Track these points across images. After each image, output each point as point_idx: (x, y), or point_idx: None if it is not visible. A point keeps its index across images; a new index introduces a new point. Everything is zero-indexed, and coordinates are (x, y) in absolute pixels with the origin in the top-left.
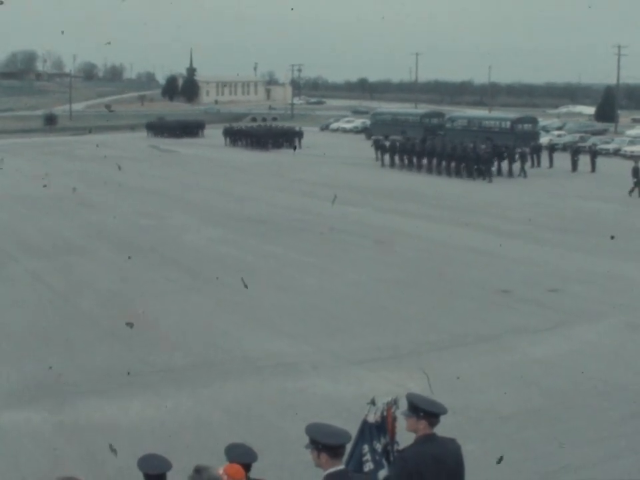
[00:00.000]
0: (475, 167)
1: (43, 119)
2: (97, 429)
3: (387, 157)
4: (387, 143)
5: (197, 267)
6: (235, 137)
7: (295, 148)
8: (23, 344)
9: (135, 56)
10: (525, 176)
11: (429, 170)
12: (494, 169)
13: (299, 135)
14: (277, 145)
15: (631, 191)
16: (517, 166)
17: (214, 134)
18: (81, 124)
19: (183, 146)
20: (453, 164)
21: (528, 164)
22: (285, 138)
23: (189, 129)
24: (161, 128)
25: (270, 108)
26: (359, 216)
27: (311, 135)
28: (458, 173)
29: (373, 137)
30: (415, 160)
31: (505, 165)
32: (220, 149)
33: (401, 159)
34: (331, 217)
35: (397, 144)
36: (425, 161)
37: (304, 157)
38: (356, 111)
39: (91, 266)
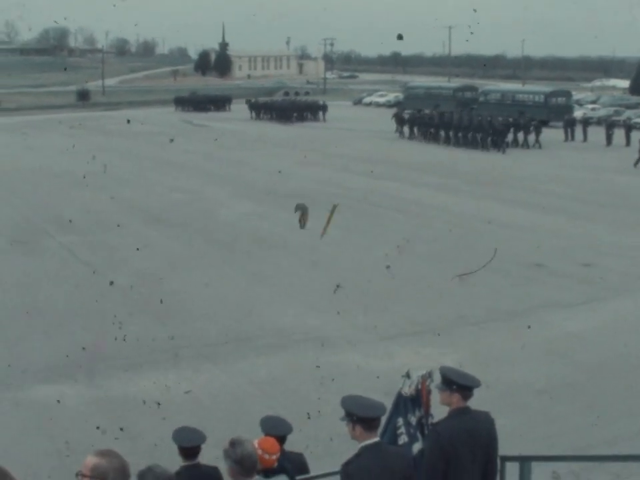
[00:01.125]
0: (490, 138)
1: (75, 95)
2: (131, 403)
3: (406, 129)
4: (406, 116)
5: (230, 241)
6: (260, 110)
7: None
8: (57, 319)
9: (167, 31)
10: (540, 147)
11: (446, 142)
12: (508, 140)
13: (323, 108)
14: (301, 118)
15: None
16: (532, 137)
17: (240, 108)
18: (114, 99)
19: (213, 120)
20: (469, 135)
21: (563, 137)
22: (308, 111)
23: (216, 103)
24: (188, 102)
25: (308, 82)
26: (390, 189)
27: (344, 109)
28: (473, 144)
29: (395, 111)
30: (432, 132)
31: (520, 136)
32: (247, 122)
33: (420, 131)
34: (362, 190)
35: (416, 116)
36: (442, 133)
37: (331, 130)
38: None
39: (124, 241)
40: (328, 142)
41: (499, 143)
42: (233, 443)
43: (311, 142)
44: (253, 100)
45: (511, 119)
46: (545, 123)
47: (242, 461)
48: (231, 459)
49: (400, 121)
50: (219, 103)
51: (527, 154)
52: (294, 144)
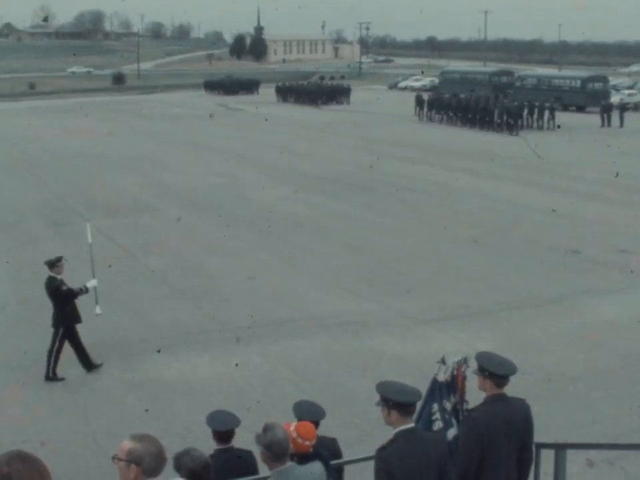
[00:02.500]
0: (503, 120)
1: (111, 78)
2: (165, 386)
3: (424, 112)
4: (425, 99)
5: (265, 225)
6: (286, 94)
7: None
8: (93, 301)
9: (203, 15)
10: (554, 128)
11: (463, 124)
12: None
13: (347, 92)
14: (325, 101)
15: None
16: (547, 119)
17: (269, 92)
18: (149, 83)
19: (243, 103)
20: (485, 117)
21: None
22: (333, 95)
23: (245, 87)
24: (218, 86)
25: (349, 66)
26: (420, 173)
27: (379, 93)
28: (488, 126)
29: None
30: (450, 114)
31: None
32: (275, 105)
33: (438, 114)
34: (397, 175)
35: (434, 99)
36: (459, 115)
37: (355, 113)
38: None
39: (159, 224)
40: (354, 125)
41: (512, 125)
42: (265, 428)
43: (338, 125)
44: (280, 84)
45: (526, 102)
46: (581, 109)
47: (271, 447)
48: (261, 443)
49: (419, 103)
50: (247, 86)
51: (546, 137)
52: (322, 127)
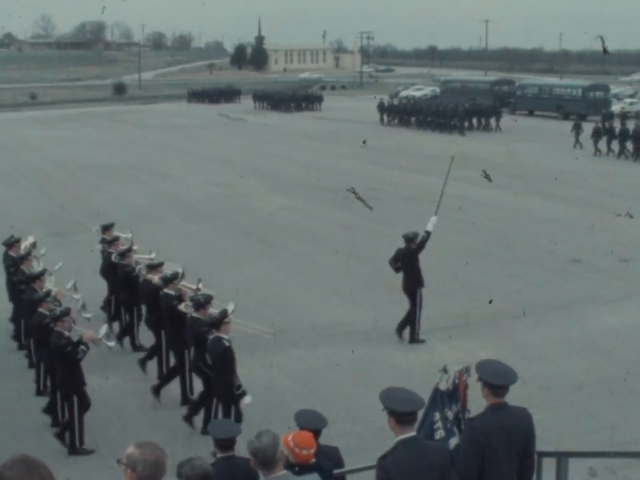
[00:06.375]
0: (452, 122)
1: (112, 88)
2: (169, 395)
3: (385, 117)
4: (386, 104)
5: (267, 235)
6: (262, 101)
7: None
8: (94, 312)
9: (204, 25)
10: (499, 130)
11: (417, 126)
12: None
13: (319, 99)
14: (299, 108)
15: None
16: (493, 122)
17: (250, 101)
18: (150, 93)
19: (227, 111)
20: (438, 121)
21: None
22: (305, 102)
23: (227, 96)
24: (201, 95)
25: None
26: (426, 183)
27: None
28: (440, 128)
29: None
30: (406, 118)
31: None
32: (256, 113)
33: (396, 118)
34: (399, 184)
35: (393, 104)
36: (413, 119)
37: (327, 120)
38: None
39: (161, 234)
40: (330, 132)
41: (460, 127)
42: (256, 436)
43: (315, 131)
44: (258, 92)
45: (475, 106)
46: (583, 117)
47: (255, 454)
48: (249, 450)
49: (381, 109)
50: (229, 95)
51: (494, 137)
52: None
